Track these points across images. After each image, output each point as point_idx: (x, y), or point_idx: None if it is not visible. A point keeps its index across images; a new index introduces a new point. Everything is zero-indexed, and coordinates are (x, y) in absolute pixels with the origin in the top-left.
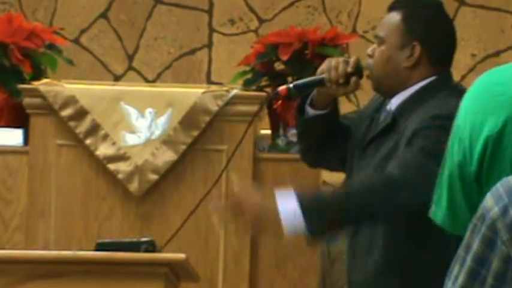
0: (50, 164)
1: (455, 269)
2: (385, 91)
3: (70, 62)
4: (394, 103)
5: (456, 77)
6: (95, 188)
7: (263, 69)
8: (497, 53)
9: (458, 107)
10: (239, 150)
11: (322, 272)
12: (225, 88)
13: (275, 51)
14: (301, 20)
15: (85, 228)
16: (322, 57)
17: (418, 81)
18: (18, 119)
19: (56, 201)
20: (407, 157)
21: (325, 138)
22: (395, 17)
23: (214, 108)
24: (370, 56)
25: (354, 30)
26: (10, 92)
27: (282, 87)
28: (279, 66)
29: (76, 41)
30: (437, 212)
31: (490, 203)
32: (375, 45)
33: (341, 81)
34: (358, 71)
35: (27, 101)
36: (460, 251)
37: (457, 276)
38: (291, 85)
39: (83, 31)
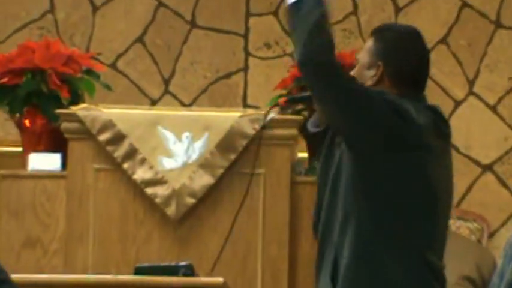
0: (87, 188)
1: None
2: None
3: (107, 87)
4: None
5: (493, 99)
6: (133, 212)
7: (300, 92)
8: None
9: (398, 100)
10: (276, 174)
11: None
12: (261, 112)
13: None
14: (337, 44)
15: (123, 252)
16: None
17: None
18: (56, 143)
19: (94, 225)
20: None
21: None
22: (370, 41)
23: (251, 131)
24: None
25: None
26: (48, 117)
27: (281, 99)
28: None
29: (113, 66)
30: None
31: None
32: None
33: None
34: None
35: (65, 125)
36: (495, 279)
37: None
38: (287, 98)
39: (119, 56)
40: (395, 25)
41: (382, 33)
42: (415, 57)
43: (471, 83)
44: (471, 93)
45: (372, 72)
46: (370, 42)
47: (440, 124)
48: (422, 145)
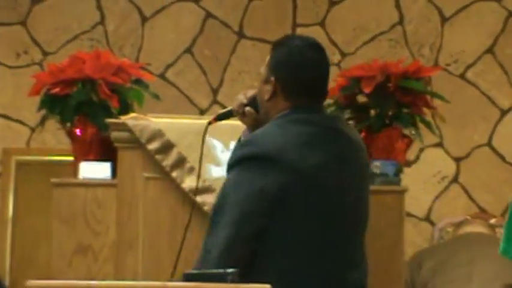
0: (137, 197)
1: None
2: (262, 122)
3: (156, 97)
4: None
5: None
6: (182, 220)
7: (346, 101)
8: None
9: (278, 136)
10: None
11: None
12: None
13: (358, 84)
14: (383, 54)
15: (172, 259)
16: (405, 90)
17: (277, 114)
18: (106, 152)
19: (144, 233)
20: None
21: None
22: (268, 55)
23: None
24: None
25: (436, 63)
26: (98, 126)
27: (212, 117)
28: (361, 99)
29: (162, 76)
30: (509, 249)
31: None
32: None
33: (240, 111)
34: (252, 102)
35: (114, 135)
36: None
37: None
38: (216, 116)
39: (168, 66)
40: (290, 39)
41: (275, 48)
42: (305, 70)
43: None
44: None
45: (268, 87)
46: (268, 57)
47: (329, 139)
48: (301, 174)
